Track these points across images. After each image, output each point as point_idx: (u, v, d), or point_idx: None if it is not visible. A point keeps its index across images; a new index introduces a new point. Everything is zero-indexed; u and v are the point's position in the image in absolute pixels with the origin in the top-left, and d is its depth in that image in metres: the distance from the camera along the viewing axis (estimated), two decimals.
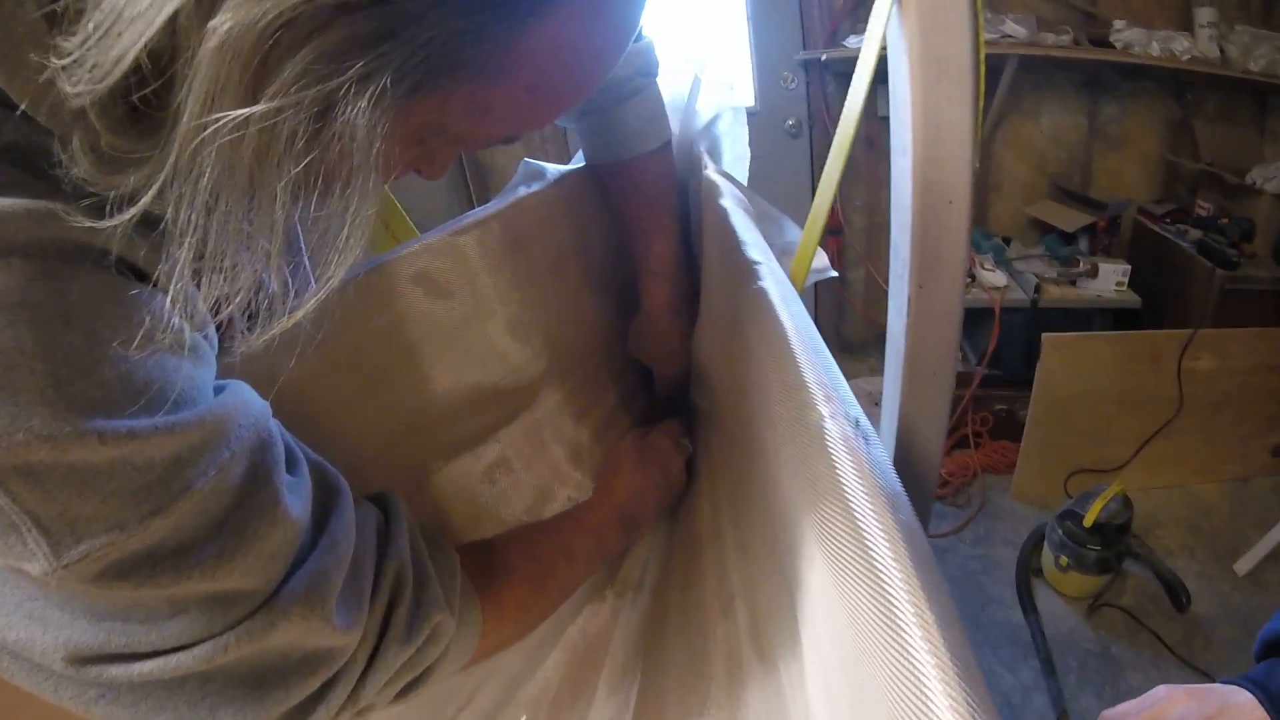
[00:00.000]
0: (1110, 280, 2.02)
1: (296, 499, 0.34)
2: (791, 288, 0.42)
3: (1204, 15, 2.01)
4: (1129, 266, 2.01)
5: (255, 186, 0.25)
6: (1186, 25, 2.05)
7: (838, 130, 0.56)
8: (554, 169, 0.69)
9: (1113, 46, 2.02)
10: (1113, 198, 2.25)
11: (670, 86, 0.74)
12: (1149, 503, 1.80)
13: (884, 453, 0.30)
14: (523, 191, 0.64)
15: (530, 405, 0.67)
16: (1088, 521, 1.49)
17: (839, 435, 0.30)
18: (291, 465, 0.36)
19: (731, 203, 0.56)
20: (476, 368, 0.60)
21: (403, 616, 0.39)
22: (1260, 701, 0.51)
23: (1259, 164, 2.07)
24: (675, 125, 0.76)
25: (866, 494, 0.27)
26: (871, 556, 0.26)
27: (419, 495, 0.58)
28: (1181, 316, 2.00)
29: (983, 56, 0.46)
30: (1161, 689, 0.57)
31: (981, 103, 0.50)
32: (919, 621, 0.23)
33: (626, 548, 0.69)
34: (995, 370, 2.09)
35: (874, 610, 0.25)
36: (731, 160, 0.77)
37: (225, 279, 0.27)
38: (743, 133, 0.80)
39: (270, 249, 0.27)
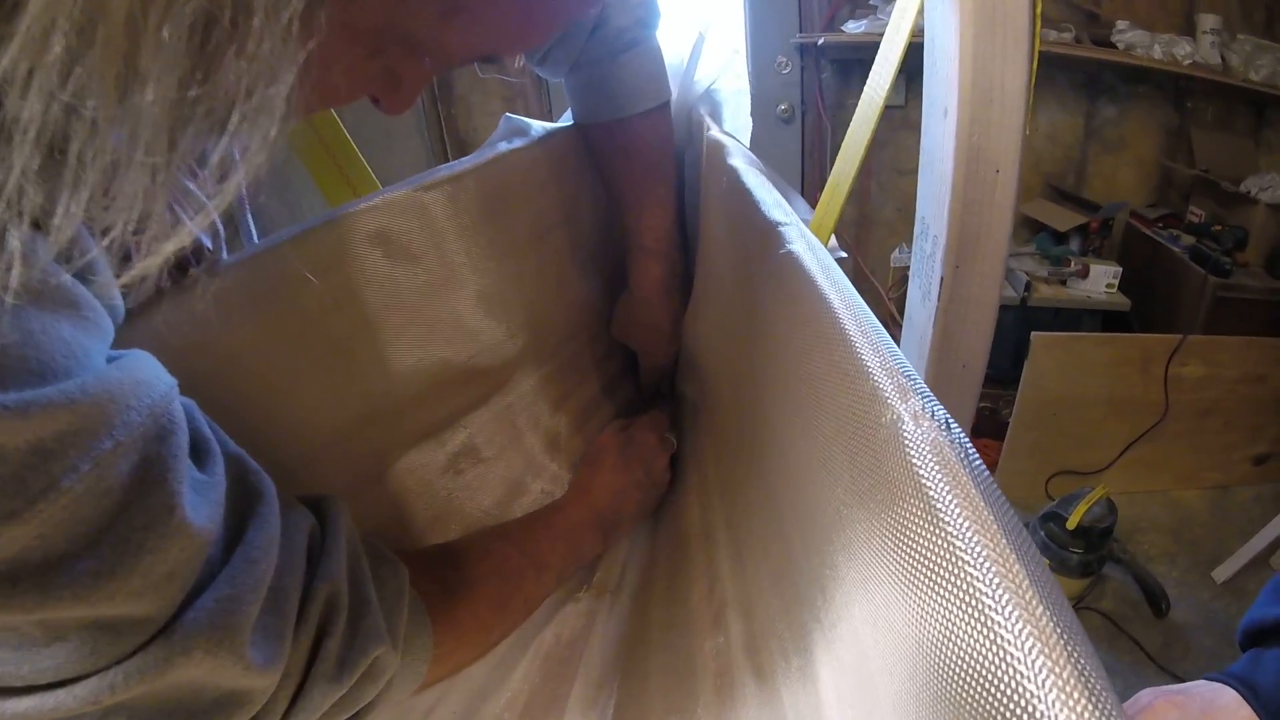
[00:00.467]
0: (1101, 282, 1.99)
1: (203, 503, 0.27)
2: (827, 253, 0.35)
3: (1207, 22, 1.99)
4: (1120, 269, 1.99)
5: (128, 68, 0.18)
6: (1189, 31, 2.03)
7: (868, 85, 0.50)
8: (540, 125, 0.63)
9: (1114, 47, 2.00)
10: (1106, 200, 2.22)
11: (670, 48, 0.68)
12: (1130, 508, 1.78)
13: (984, 465, 0.23)
14: (503, 147, 0.57)
15: (503, 389, 0.61)
16: (1071, 524, 1.46)
17: (927, 443, 0.24)
18: (202, 460, 0.29)
19: (743, 162, 0.49)
20: (444, 344, 0.54)
21: (333, 650, 0.32)
22: (1245, 698, 0.49)
23: (1254, 174, 2.06)
24: (674, 89, 0.70)
25: (975, 525, 0.21)
26: (988, 613, 0.20)
27: (374, 488, 0.51)
28: (1170, 322, 1.98)
29: (1039, 13, 0.41)
30: (1145, 695, 0.56)
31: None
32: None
33: (603, 552, 0.63)
34: (981, 388, 2.06)
35: (990, 687, 0.20)
36: (732, 129, 0.71)
37: (100, 202, 0.20)
38: (745, 101, 0.74)
39: (156, 161, 0.20)
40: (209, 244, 0.42)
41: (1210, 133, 2.20)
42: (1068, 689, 0.18)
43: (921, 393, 0.25)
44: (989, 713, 0.20)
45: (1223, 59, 1.98)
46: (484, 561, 0.49)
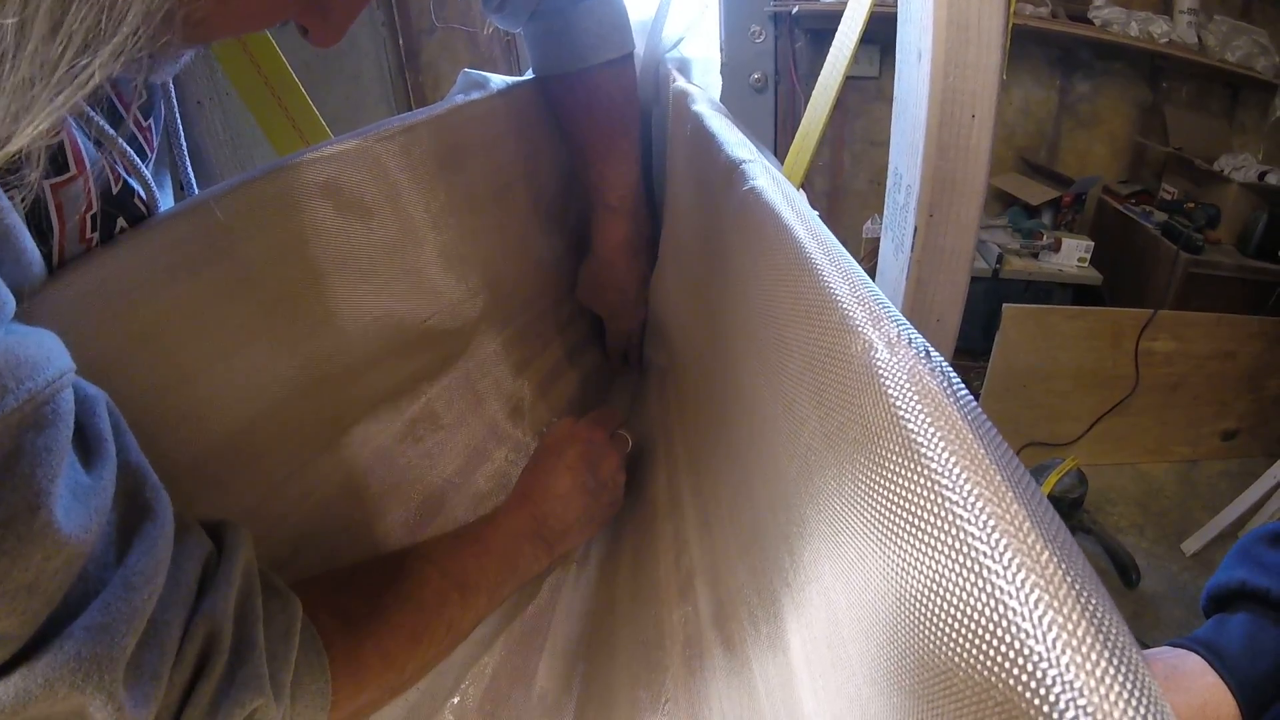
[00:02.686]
0: (1073, 255, 2.01)
1: (79, 510, 0.23)
2: (793, 188, 0.32)
3: (1185, 1, 2.00)
4: (1092, 243, 2.01)
5: None
6: (1167, 10, 2.04)
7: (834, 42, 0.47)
8: (499, 79, 0.60)
9: (1090, 23, 1.99)
10: (1079, 175, 2.23)
11: (636, 5, 0.65)
12: (1099, 480, 1.80)
13: (972, 397, 0.20)
14: (460, 99, 0.54)
15: (463, 353, 0.58)
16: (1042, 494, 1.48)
17: (904, 371, 0.20)
18: (90, 459, 0.25)
19: (707, 107, 0.47)
20: (399, 303, 0.51)
21: (206, 695, 0.28)
22: (1211, 663, 0.48)
23: (1227, 153, 2.07)
24: (641, 46, 0.67)
25: (962, 460, 0.18)
26: (980, 560, 0.17)
27: (325, 456, 0.49)
28: (1141, 297, 2.00)
29: None
30: None
31: None
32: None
33: (548, 567, 0.57)
34: (955, 344, 2.07)
35: (986, 648, 0.17)
36: (701, 85, 0.69)
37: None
38: (715, 59, 0.72)
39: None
40: (142, 193, 0.39)
41: (1185, 111, 2.22)
42: (1083, 647, 0.15)
43: (896, 319, 0.22)
44: (984, 679, 0.17)
45: (1199, 39, 1.99)
46: (396, 586, 0.43)
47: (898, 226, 0.49)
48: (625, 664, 0.51)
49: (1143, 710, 0.15)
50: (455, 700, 0.53)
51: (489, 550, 0.49)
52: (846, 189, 2.43)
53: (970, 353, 2.05)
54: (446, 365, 0.57)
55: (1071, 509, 1.50)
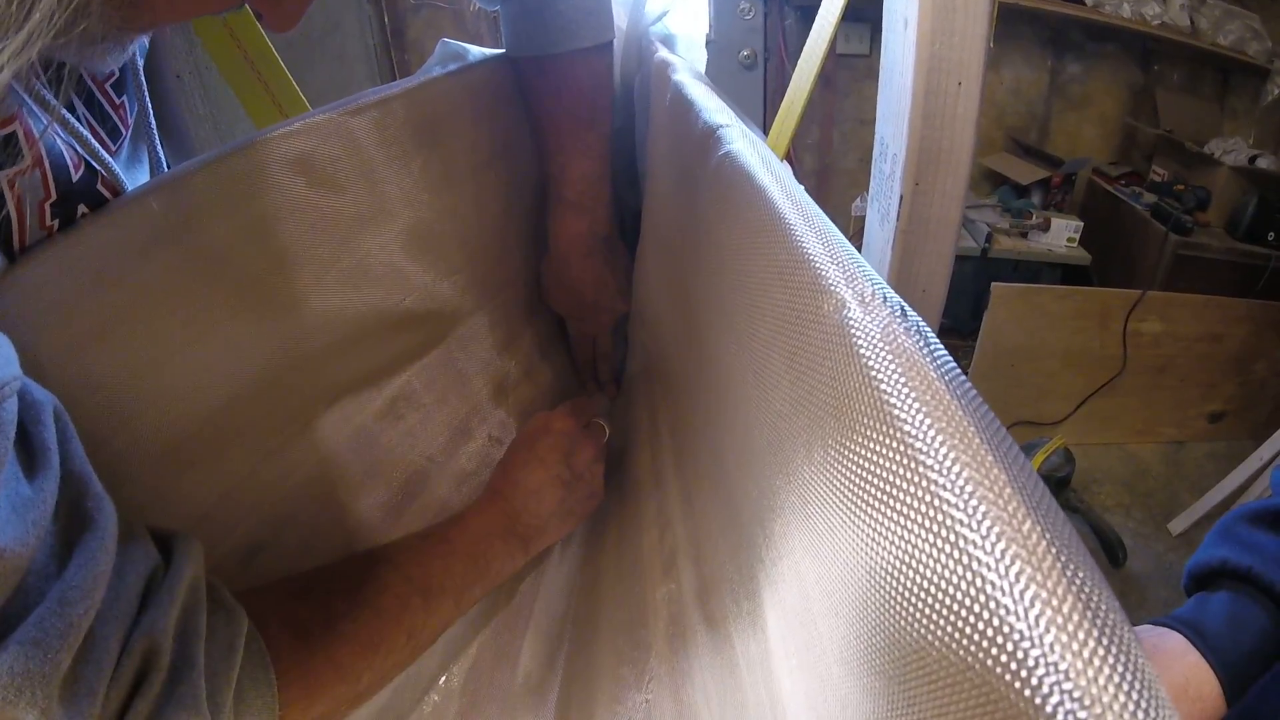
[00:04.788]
0: (1062, 235, 2.01)
1: (15, 521, 0.23)
2: (772, 153, 0.31)
3: None
4: (1081, 223, 2.01)
5: None
6: None
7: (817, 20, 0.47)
8: (478, 51, 0.58)
9: (1082, 3, 1.98)
10: (1069, 156, 2.23)
11: None
12: (1086, 459, 1.81)
13: (951, 358, 0.19)
14: (437, 72, 0.53)
15: (444, 331, 0.57)
16: None
17: (878, 330, 0.19)
18: (32, 467, 0.25)
19: (688, 76, 0.46)
20: (375, 281, 0.50)
21: (142, 714, 0.27)
22: (1193, 642, 0.48)
23: (1218, 137, 2.07)
24: (624, 19, 0.66)
25: (938, 423, 0.17)
26: (957, 529, 0.16)
27: (302, 438, 0.48)
28: (1130, 278, 2.00)
29: None
30: None
31: None
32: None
33: (523, 568, 0.54)
34: (941, 318, 2.07)
35: (962, 625, 0.16)
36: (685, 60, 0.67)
37: None
38: (700, 36, 0.70)
39: None
40: (106, 176, 0.38)
41: (1176, 94, 2.21)
42: (1069, 625, 0.14)
43: (871, 278, 0.21)
44: (960, 659, 0.16)
45: (1191, 22, 1.99)
46: (352, 593, 0.40)
47: (884, 197, 0.49)
48: (609, 642, 0.51)
49: (1135, 695, 0.13)
50: (441, 681, 0.52)
51: (456, 551, 0.47)
52: (835, 167, 2.42)
53: (959, 332, 2.06)
54: (427, 343, 0.56)
55: (1058, 488, 1.50)
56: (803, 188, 0.28)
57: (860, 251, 0.53)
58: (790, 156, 2.35)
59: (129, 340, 0.36)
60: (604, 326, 0.70)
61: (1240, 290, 1.81)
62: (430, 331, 0.56)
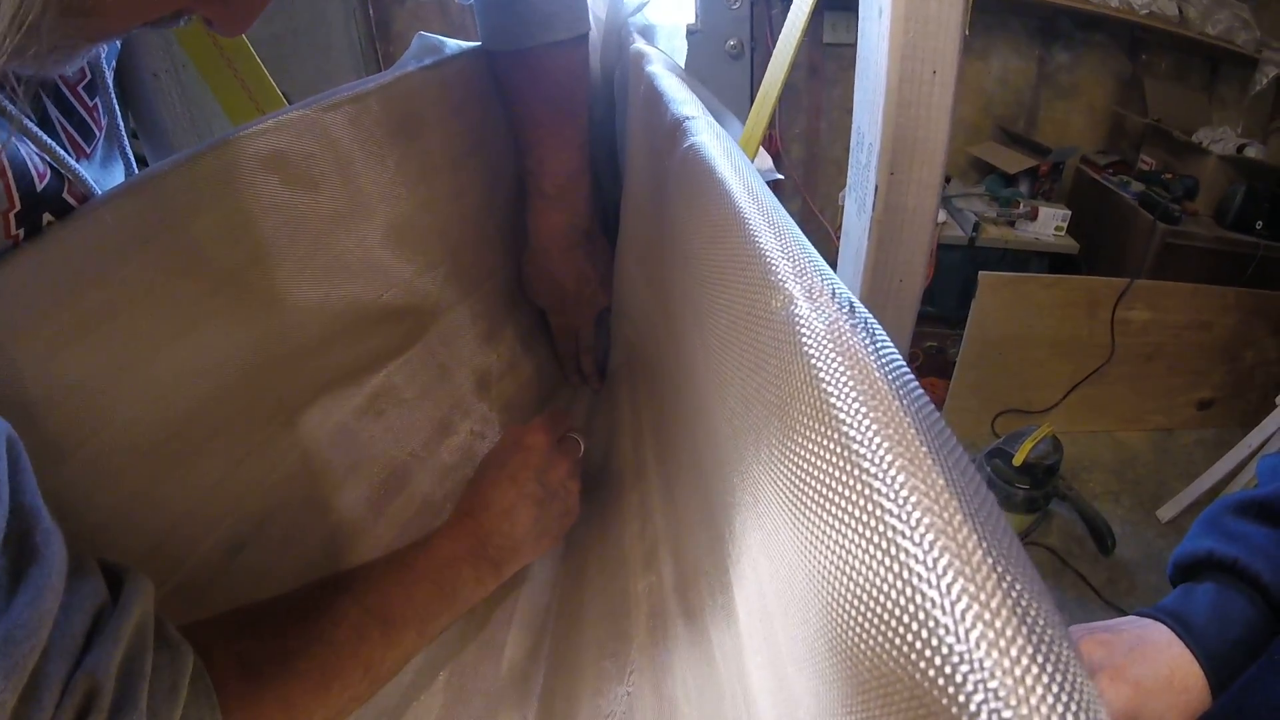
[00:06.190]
0: (1050, 224, 2.01)
1: None
2: (736, 145, 0.31)
3: None
4: (1069, 212, 2.01)
5: None
6: None
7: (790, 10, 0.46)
8: (455, 44, 0.58)
9: None
10: (1057, 145, 2.23)
11: None
12: (1075, 447, 1.82)
13: (899, 356, 0.19)
14: (412, 66, 0.53)
15: (425, 326, 0.57)
16: (1017, 461, 1.49)
17: (823, 325, 0.19)
18: None
19: (661, 67, 0.46)
20: (352, 278, 0.50)
21: None
22: (1177, 633, 0.48)
23: (1206, 126, 2.08)
24: (601, 10, 0.65)
25: (878, 422, 0.17)
26: (893, 537, 0.16)
27: (285, 436, 0.48)
28: (1118, 266, 2.01)
29: None
30: (1074, 631, 0.52)
31: None
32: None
33: (494, 591, 0.51)
34: (929, 307, 2.08)
35: (895, 636, 0.16)
36: (666, 51, 0.67)
37: None
38: (681, 26, 0.70)
39: None
40: (73, 183, 0.38)
41: (1164, 84, 2.21)
42: (1001, 641, 0.14)
43: (822, 272, 0.21)
44: (894, 670, 0.15)
45: (1180, 11, 1.99)
46: (306, 626, 0.38)
47: (860, 186, 0.48)
48: (592, 633, 0.51)
49: (1070, 714, 0.13)
50: (426, 674, 0.53)
51: (420, 579, 0.44)
52: (823, 157, 2.42)
53: (946, 320, 2.06)
54: (409, 338, 0.56)
55: (1046, 475, 1.51)
56: (764, 181, 0.28)
57: (840, 241, 0.52)
58: (777, 146, 2.34)
59: (108, 339, 0.37)
60: (586, 320, 0.70)
61: (1228, 279, 1.81)
62: (411, 326, 0.56)
